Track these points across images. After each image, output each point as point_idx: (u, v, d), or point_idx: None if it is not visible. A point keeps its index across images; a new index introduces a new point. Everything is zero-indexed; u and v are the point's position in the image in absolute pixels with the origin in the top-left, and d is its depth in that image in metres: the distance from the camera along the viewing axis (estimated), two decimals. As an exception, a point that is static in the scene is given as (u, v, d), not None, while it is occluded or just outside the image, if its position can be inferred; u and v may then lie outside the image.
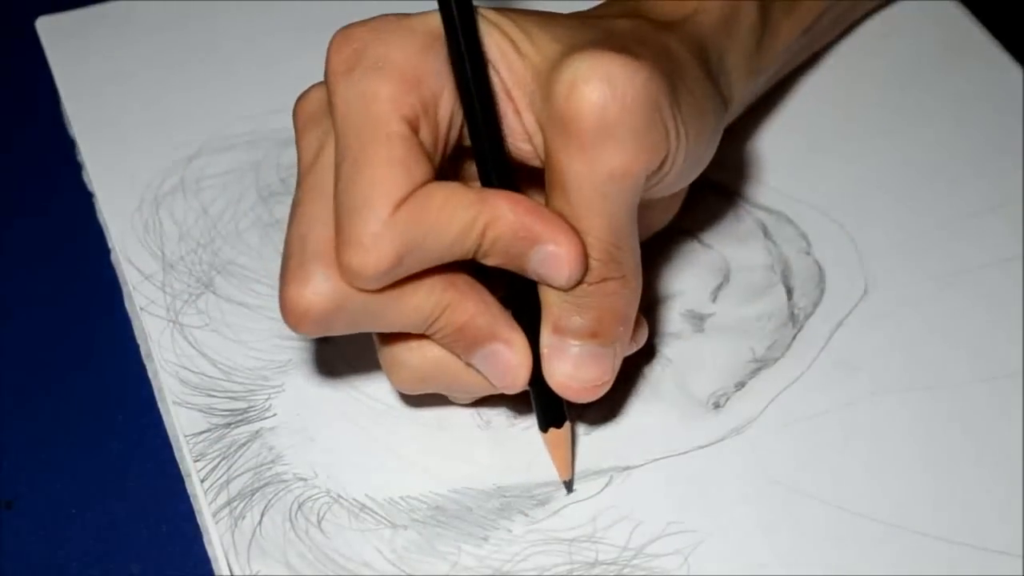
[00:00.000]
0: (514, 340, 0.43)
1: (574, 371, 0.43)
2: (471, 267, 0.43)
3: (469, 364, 0.43)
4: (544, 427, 0.45)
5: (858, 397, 0.48)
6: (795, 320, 0.50)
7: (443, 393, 0.46)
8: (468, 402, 0.47)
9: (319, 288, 0.40)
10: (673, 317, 0.50)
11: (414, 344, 0.43)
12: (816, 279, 0.51)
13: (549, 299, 0.43)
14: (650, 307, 0.50)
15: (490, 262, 0.42)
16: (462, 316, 0.42)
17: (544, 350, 0.43)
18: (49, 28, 0.59)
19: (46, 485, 0.47)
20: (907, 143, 0.56)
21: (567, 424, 0.45)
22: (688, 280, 0.51)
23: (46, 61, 0.58)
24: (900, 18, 0.60)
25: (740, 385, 0.48)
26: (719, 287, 0.51)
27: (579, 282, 0.42)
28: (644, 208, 0.44)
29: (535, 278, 0.42)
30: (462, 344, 0.43)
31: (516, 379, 0.43)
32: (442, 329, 0.42)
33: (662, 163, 0.42)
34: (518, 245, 0.41)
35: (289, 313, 0.41)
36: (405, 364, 0.44)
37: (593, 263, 0.42)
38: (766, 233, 0.53)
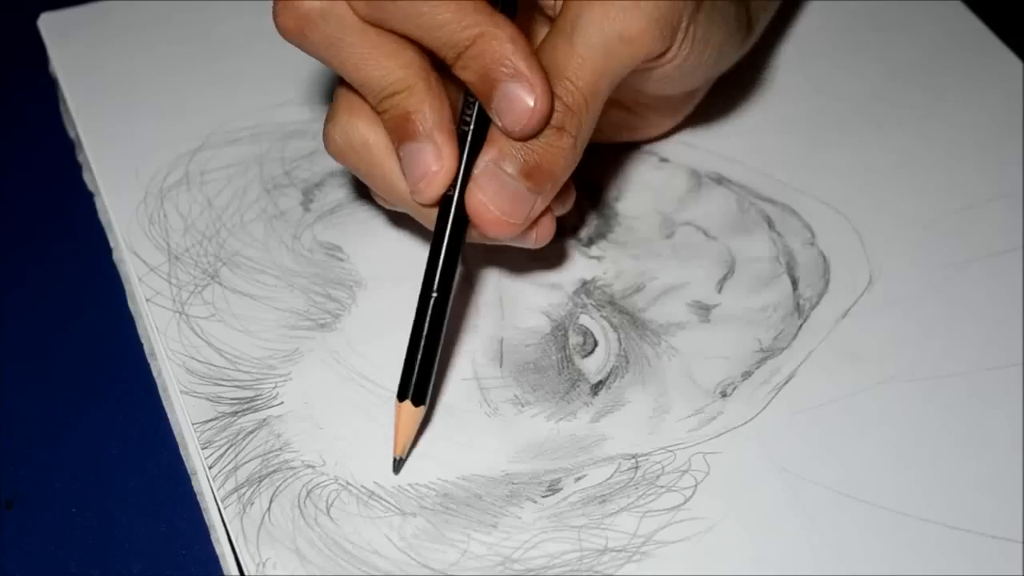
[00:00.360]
0: (445, 151, 0.43)
1: (495, 197, 0.44)
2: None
3: (399, 155, 0.44)
4: (401, 396, 0.45)
5: (864, 386, 0.48)
6: (801, 311, 0.50)
7: (363, 179, 0.46)
8: (388, 207, 0.48)
9: None
10: (679, 308, 0.50)
11: (357, 115, 0.45)
12: (821, 270, 0.51)
13: (498, 133, 0.44)
14: (657, 297, 0.50)
15: (463, 76, 0.43)
16: (415, 103, 0.43)
17: (476, 171, 0.44)
18: (52, 24, 0.59)
19: (46, 485, 0.47)
20: (910, 135, 0.56)
21: (423, 407, 0.45)
22: (694, 271, 0.51)
23: (48, 58, 0.58)
24: (902, 12, 0.60)
25: (747, 375, 0.48)
26: (724, 278, 0.51)
27: (527, 139, 0.43)
28: (648, 108, 0.47)
29: (492, 112, 0.43)
30: (400, 131, 0.43)
31: (430, 185, 0.44)
32: (391, 109, 0.43)
33: (664, 53, 0.44)
34: (496, 71, 0.42)
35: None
36: (341, 127, 0.45)
37: (559, 107, 0.43)
38: (771, 224, 0.53)
